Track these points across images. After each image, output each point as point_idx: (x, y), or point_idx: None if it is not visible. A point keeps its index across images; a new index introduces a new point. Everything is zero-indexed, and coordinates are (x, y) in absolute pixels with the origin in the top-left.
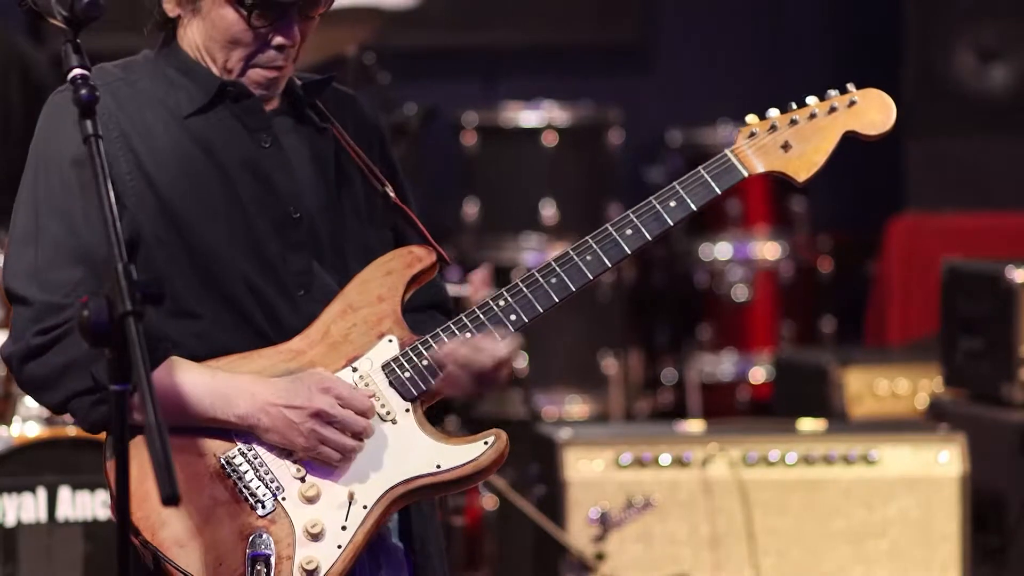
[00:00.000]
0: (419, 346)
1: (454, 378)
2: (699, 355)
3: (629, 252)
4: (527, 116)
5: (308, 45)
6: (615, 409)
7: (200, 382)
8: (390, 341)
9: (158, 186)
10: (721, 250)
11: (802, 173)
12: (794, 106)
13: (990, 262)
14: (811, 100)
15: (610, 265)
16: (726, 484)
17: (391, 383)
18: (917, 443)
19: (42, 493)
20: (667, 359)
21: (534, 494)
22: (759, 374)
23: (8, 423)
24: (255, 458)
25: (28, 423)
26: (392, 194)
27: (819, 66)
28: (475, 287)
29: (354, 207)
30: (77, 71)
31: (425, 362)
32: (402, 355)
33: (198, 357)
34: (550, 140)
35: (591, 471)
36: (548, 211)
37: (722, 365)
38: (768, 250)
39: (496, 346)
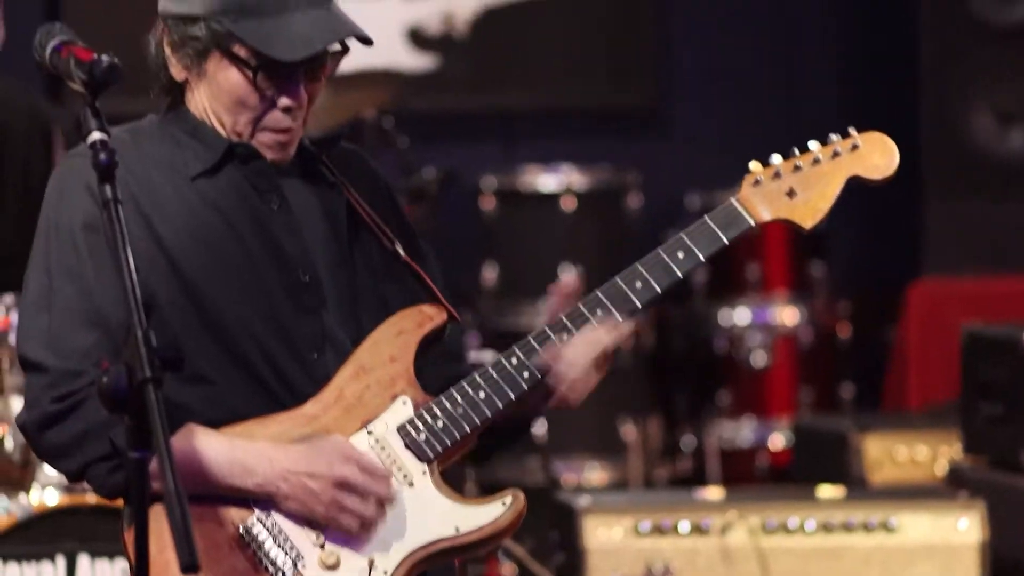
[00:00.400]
0: (433, 407)
1: (562, 376)
2: (718, 421)
3: (639, 306)
4: (545, 180)
5: (317, 107)
6: (634, 476)
7: (218, 449)
8: (404, 403)
9: (169, 248)
10: (740, 315)
11: (808, 220)
12: (797, 152)
13: (1010, 327)
14: (814, 145)
15: (620, 320)
16: (745, 551)
17: (407, 445)
18: (937, 510)
19: (61, 561)
20: (686, 425)
21: (553, 562)
22: (778, 440)
23: (27, 490)
24: (274, 526)
25: (47, 490)
26: (402, 252)
27: (837, 129)
28: (559, 297)
29: (366, 263)
30: (96, 135)
31: (440, 423)
32: (416, 416)
33: (211, 422)
34: (569, 204)
35: (610, 539)
36: (567, 276)
37: (741, 431)
38: (787, 315)
39: (602, 333)
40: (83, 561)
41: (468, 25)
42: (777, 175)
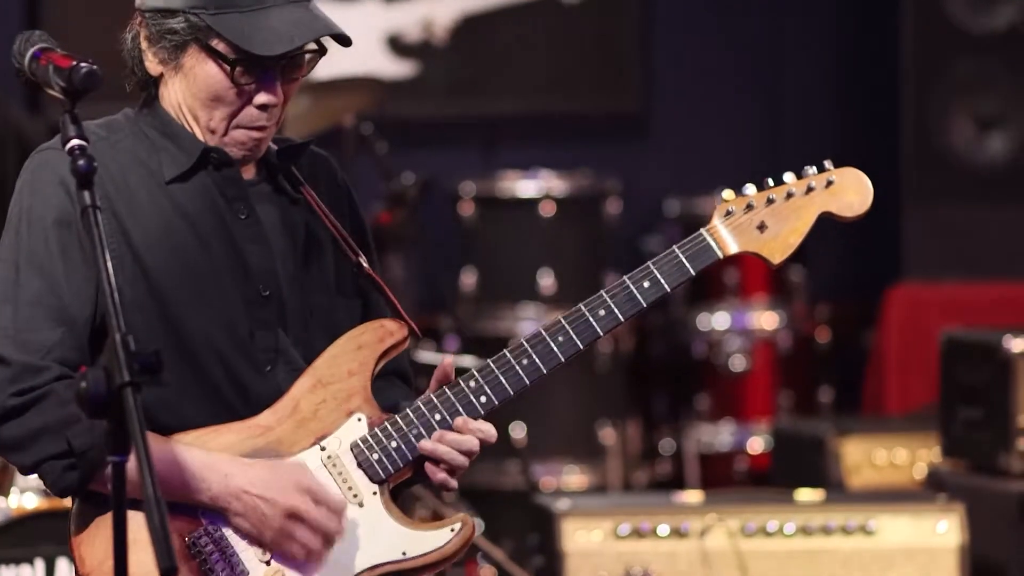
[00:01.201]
0: (388, 426)
1: (433, 470)
2: (697, 425)
3: (601, 334)
4: (525, 186)
5: (299, 113)
6: (613, 480)
7: (173, 459)
8: (359, 419)
9: (139, 252)
10: (719, 320)
11: (777, 255)
12: (771, 183)
13: (988, 331)
14: (788, 178)
15: (582, 347)
16: (724, 555)
17: (359, 464)
18: (916, 513)
19: (40, 565)
20: (665, 429)
21: (532, 565)
22: (757, 444)
23: (6, 494)
24: (221, 539)
25: (26, 494)
26: (365, 264)
27: (818, 135)
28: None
29: (323, 279)
30: (75, 141)
31: (394, 443)
32: (371, 435)
33: (162, 425)
34: (548, 210)
35: (589, 542)
36: (546, 281)
37: (720, 435)
38: (766, 320)
39: (484, 427)
40: (62, 564)
41: (447, 32)
42: (749, 207)
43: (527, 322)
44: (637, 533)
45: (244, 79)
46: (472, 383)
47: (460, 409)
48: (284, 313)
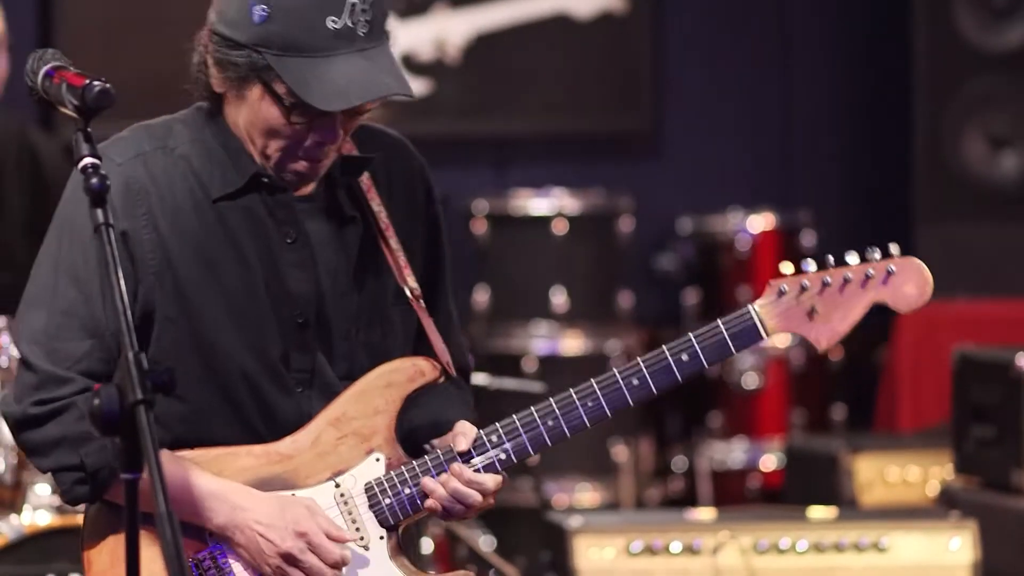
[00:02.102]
0: (404, 472)
1: (435, 511)
2: (710, 443)
3: (631, 404)
4: (537, 204)
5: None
6: (626, 497)
7: (185, 483)
8: (377, 460)
9: (177, 268)
10: None
11: (823, 342)
12: (831, 260)
13: (1001, 350)
14: (851, 259)
15: (609, 415)
16: (737, 572)
17: (371, 506)
18: (928, 530)
19: None
20: (678, 447)
21: None
22: (770, 462)
23: (19, 511)
24: (224, 565)
25: (39, 511)
26: (410, 293)
27: (830, 154)
28: None
29: (375, 302)
30: (88, 160)
31: (407, 491)
32: (386, 479)
33: (183, 440)
34: (560, 228)
35: (602, 559)
36: (558, 299)
37: (733, 453)
38: (779, 338)
39: (482, 480)
40: None
41: (460, 51)
42: (803, 289)
43: (539, 339)
44: (649, 550)
45: (302, 120)
46: (494, 437)
47: (479, 465)
48: (325, 337)
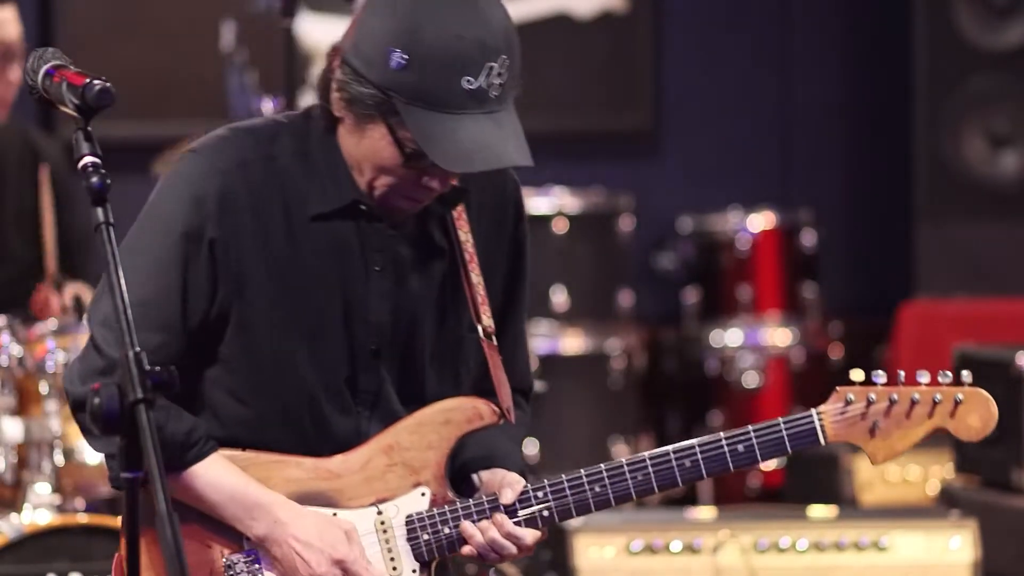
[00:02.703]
0: (447, 511)
1: (471, 556)
2: None
3: (680, 485)
4: (538, 203)
5: None
6: None
7: (233, 491)
8: (423, 494)
9: (258, 282)
10: (732, 337)
11: (880, 457)
12: (901, 376)
13: (1000, 348)
14: (922, 377)
15: (657, 491)
16: (737, 571)
17: (409, 538)
18: (928, 530)
19: None
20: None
21: None
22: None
23: (19, 510)
24: (256, 572)
25: (39, 510)
26: (483, 331)
27: (829, 153)
28: None
29: (453, 335)
30: (88, 159)
31: (446, 531)
32: (428, 515)
33: (237, 440)
34: (560, 227)
35: (602, 558)
36: (559, 298)
37: None
38: (779, 337)
39: (521, 535)
40: None
41: None
42: (869, 403)
43: (539, 338)
44: (650, 549)
45: (417, 165)
46: (540, 493)
47: (520, 517)
48: (396, 364)
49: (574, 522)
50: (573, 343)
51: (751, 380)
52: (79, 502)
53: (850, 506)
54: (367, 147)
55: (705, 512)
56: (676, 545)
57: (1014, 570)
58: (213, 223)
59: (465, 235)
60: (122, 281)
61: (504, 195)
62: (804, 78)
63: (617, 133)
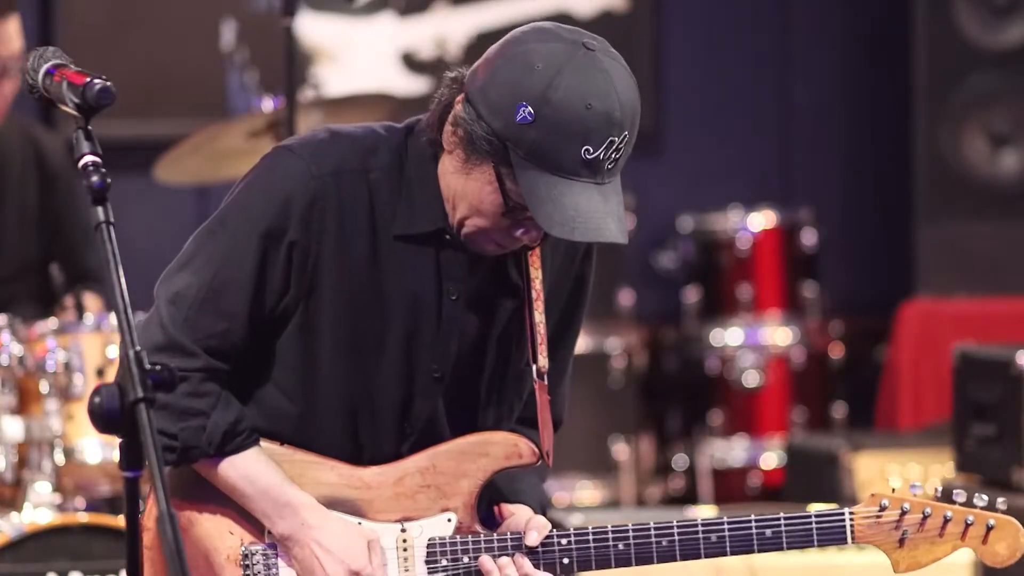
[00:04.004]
0: (469, 540)
1: None
2: (710, 441)
3: (703, 556)
4: None
5: (303, 123)
6: (626, 495)
7: (266, 486)
8: (449, 520)
9: (331, 291)
10: (732, 336)
11: (903, 566)
12: (939, 491)
13: (1001, 348)
14: (958, 496)
15: (679, 559)
16: (737, 570)
17: (428, 561)
18: None
19: None
20: (678, 445)
21: None
22: (770, 460)
23: (19, 509)
24: (273, 566)
25: (39, 509)
26: (536, 372)
27: (829, 152)
28: None
29: (509, 371)
30: (89, 158)
31: (466, 560)
32: (450, 541)
33: (278, 435)
34: None
35: None
36: None
37: (733, 451)
38: (779, 336)
39: None
40: None
41: (461, 49)
42: (903, 512)
43: None
44: None
45: (515, 217)
46: (564, 541)
47: (540, 559)
48: (453, 393)
49: (574, 521)
50: None
51: (751, 379)
52: (79, 501)
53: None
54: (471, 188)
55: (705, 511)
56: None
57: (1015, 570)
58: (297, 227)
59: (536, 272)
60: (122, 280)
61: (571, 263)
62: (804, 77)
63: None
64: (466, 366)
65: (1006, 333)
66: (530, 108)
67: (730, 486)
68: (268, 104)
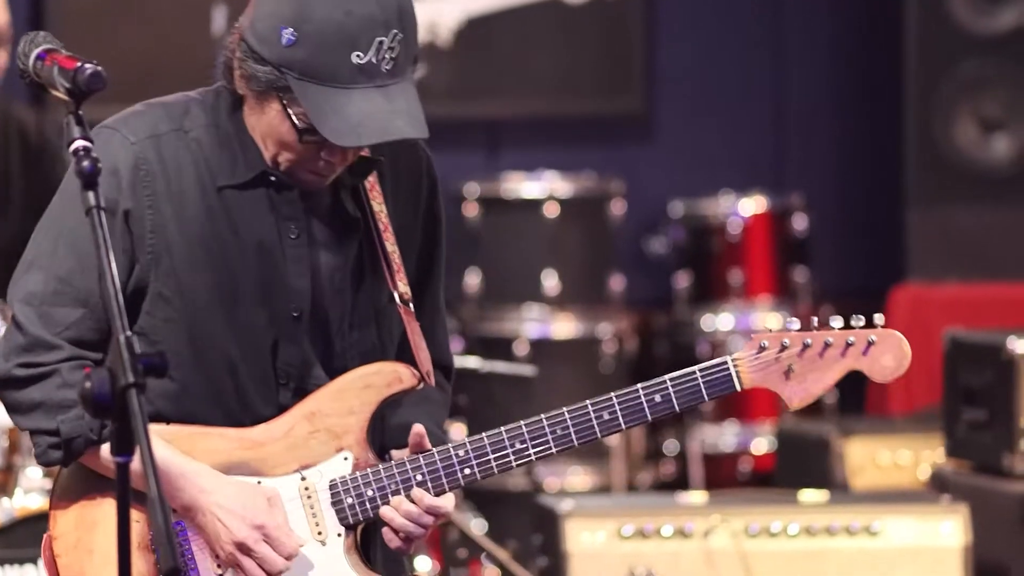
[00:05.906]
0: (370, 474)
1: (391, 537)
2: (701, 426)
3: (599, 436)
4: (529, 187)
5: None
6: (617, 480)
7: (159, 461)
8: (345, 459)
9: (175, 252)
10: (723, 321)
11: (795, 401)
12: (815, 322)
13: (992, 333)
14: (835, 323)
15: (576, 444)
16: (728, 555)
17: (333, 503)
18: (919, 514)
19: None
20: (669, 430)
21: (536, 566)
22: (761, 445)
23: (10, 495)
24: (184, 542)
25: (30, 494)
26: (399, 298)
27: (821, 137)
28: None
29: (369, 302)
30: (79, 143)
31: (370, 493)
32: (351, 478)
33: (162, 415)
34: (552, 211)
35: (593, 543)
36: (550, 282)
37: (724, 436)
38: (770, 321)
39: (440, 505)
40: None
41: (452, 34)
42: (783, 348)
43: (531, 323)
44: (641, 534)
45: (313, 141)
46: (461, 452)
47: (442, 475)
48: (317, 333)
49: (565, 506)
50: (564, 327)
51: None
52: None
53: (841, 491)
54: (266, 124)
55: (696, 497)
56: (667, 529)
57: (1005, 555)
58: (127, 194)
59: (379, 205)
60: (113, 265)
61: (418, 170)
62: (796, 62)
63: (609, 117)
64: (326, 305)
65: (997, 318)
66: (291, 29)
67: (721, 471)
68: None
